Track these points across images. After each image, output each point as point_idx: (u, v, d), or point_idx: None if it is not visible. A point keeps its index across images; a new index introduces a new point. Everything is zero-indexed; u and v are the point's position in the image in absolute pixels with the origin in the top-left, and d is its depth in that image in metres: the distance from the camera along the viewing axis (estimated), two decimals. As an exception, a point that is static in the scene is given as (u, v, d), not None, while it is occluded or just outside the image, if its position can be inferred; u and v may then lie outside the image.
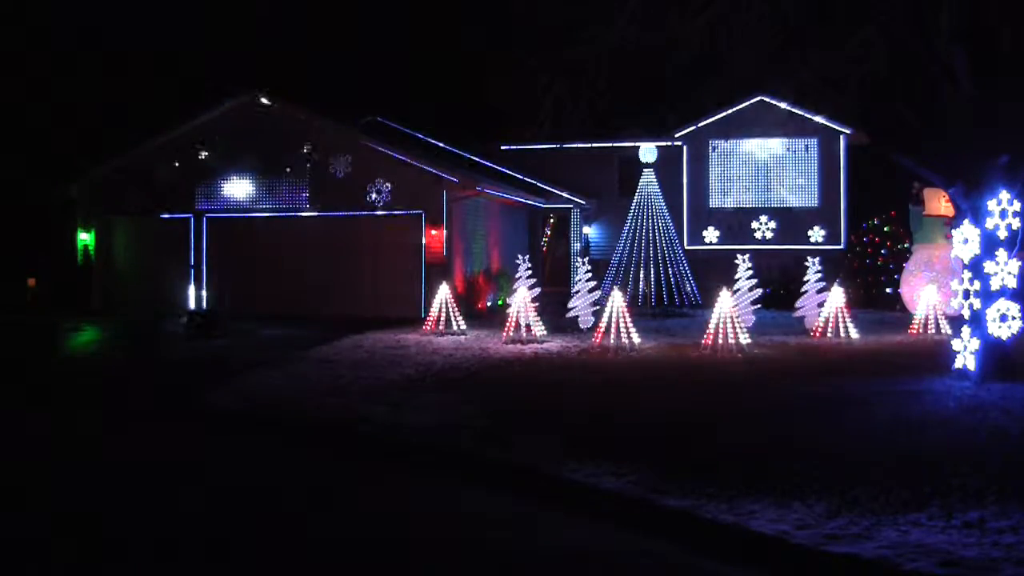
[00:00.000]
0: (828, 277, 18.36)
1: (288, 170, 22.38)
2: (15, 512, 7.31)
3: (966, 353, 11.96)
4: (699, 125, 27.67)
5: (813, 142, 27.16)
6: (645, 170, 24.74)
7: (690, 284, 24.27)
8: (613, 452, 8.20)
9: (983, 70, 11.90)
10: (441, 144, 28.18)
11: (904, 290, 22.30)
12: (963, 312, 12.17)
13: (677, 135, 27.94)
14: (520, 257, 18.25)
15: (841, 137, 27.09)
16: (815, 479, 7.17)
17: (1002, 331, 11.70)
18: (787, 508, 6.53)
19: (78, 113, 29.67)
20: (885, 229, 25.12)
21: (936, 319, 18.23)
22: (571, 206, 28.45)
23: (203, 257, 22.99)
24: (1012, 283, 11.75)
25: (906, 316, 20.64)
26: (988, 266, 11.76)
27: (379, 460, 9.01)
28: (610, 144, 28.33)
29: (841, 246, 27.00)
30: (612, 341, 15.85)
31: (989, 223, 11.80)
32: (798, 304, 18.60)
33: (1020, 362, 11.84)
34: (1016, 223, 11.76)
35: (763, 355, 14.95)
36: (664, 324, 20.39)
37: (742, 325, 16.16)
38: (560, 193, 27.76)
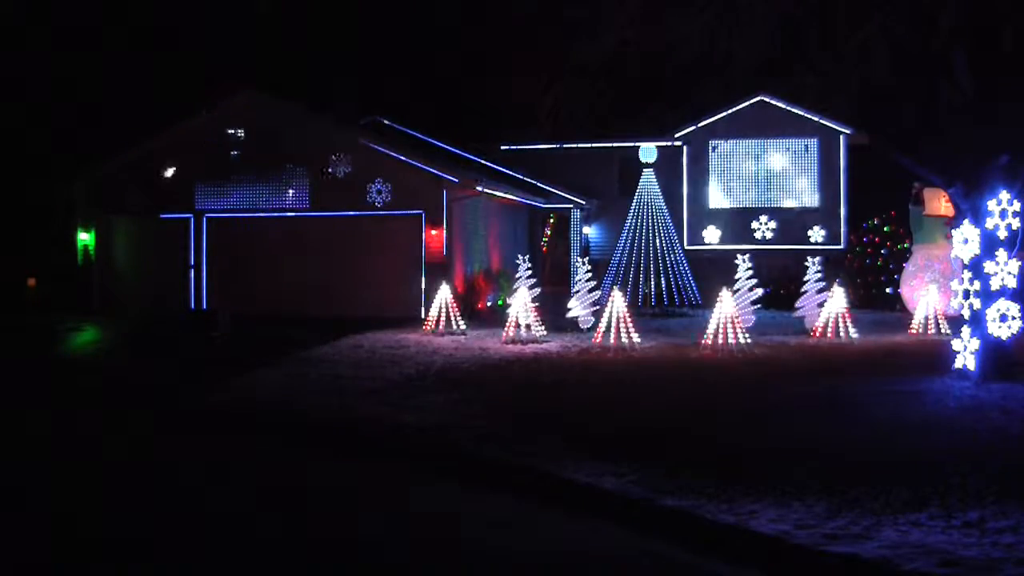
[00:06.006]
0: (828, 277, 18.36)
1: (288, 170, 22.38)
2: (14, 512, 7.32)
3: (966, 353, 11.96)
4: (699, 125, 27.64)
5: (813, 142, 27.14)
6: (645, 170, 24.74)
7: (690, 284, 24.26)
8: (613, 452, 8.20)
9: (983, 70, 11.90)
10: (441, 144, 28.16)
11: (904, 290, 22.29)
12: (963, 312, 12.18)
13: (677, 135, 27.93)
14: (520, 257, 18.24)
15: (841, 137, 27.08)
16: (815, 479, 7.17)
17: (1002, 331, 11.70)
18: (787, 508, 6.53)
19: (78, 113, 29.66)
20: (885, 229, 25.11)
21: (936, 319, 18.23)
22: (571, 206, 28.44)
23: (203, 257, 22.96)
24: (1012, 283, 11.75)
25: (906, 316, 20.63)
26: (988, 266, 11.77)
27: (379, 460, 9.01)
28: (610, 144, 28.29)
29: (841, 246, 26.97)
30: (612, 341, 15.85)
31: (989, 223, 11.80)
32: (798, 304, 18.59)
33: (1020, 362, 11.85)
34: (1016, 223, 11.76)
35: (763, 355, 14.95)
36: (664, 324, 20.40)
37: (742, 325, 16.16)
38: (560, 193, 27.75)
